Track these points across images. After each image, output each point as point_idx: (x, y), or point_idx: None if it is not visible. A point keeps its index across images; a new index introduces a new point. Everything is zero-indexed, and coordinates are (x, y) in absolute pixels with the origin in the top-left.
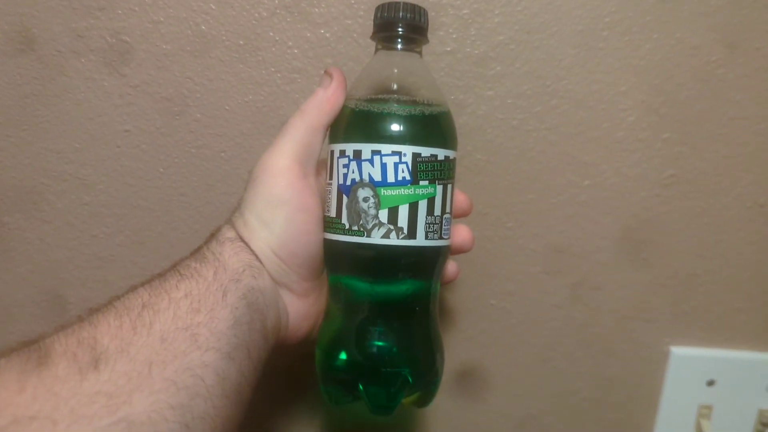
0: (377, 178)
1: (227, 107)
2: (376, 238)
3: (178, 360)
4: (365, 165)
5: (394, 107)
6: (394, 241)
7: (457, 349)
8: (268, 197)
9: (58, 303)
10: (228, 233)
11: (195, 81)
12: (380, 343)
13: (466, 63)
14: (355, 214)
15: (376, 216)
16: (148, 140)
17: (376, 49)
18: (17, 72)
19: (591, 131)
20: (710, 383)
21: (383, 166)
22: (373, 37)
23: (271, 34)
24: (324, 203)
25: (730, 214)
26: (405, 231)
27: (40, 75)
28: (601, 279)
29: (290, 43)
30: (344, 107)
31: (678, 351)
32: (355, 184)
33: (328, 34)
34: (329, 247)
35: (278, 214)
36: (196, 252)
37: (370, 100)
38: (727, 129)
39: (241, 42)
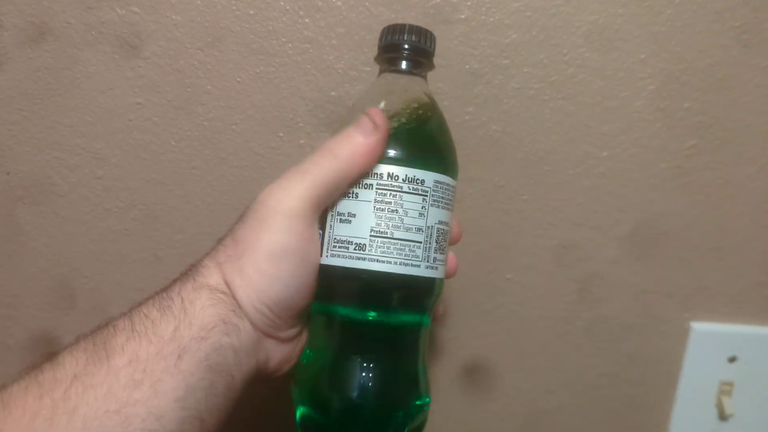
0: None
1: (238, 79)
2: None
3: None
4: None
5: None
6: None
7: (472, 323)
8: (274, 248)
9: (73, 276)
10: (211, 278)
11: (206, 52)
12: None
13: (481, 31)
14: None
15: None
16: (160, 113)
17: (380, 72)
18: (28, 45)
19: (609, 101)
20: (732, 359)
21: None
22: (377, 59)
23: (282, 3)
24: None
25: (753, 185)
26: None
27: (51, 48)
28: (620, 252)
29: (301, 12)
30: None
31: (699, 326)
32: None
33: (339, 3)
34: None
35: (283, 268)
36: (165, 293)
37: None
38: (751, 97)
39: (252, 12)
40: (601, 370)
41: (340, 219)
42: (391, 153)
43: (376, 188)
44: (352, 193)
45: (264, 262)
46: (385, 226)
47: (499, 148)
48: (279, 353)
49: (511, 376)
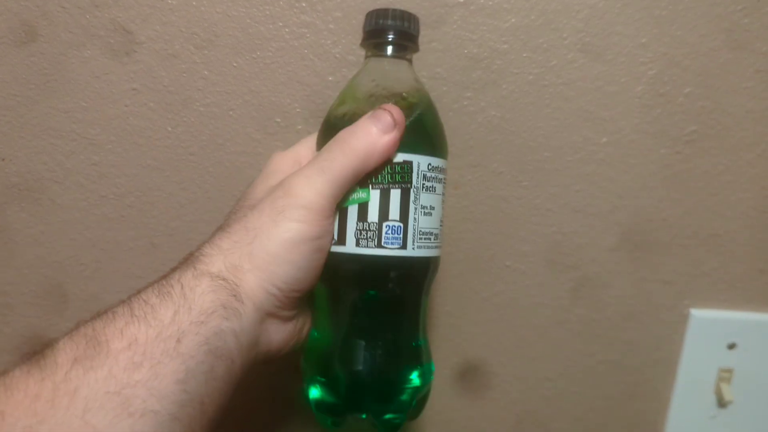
0: None
1: (235, 64)
2: None
3: None
4: None
5: None
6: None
7: (471, 311)
8: (293, 235)
9: (69, 263)
10: (213, 266)
11: (202, 37)
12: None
13: (479, 15)
14: None
15: None
16: (156, 99)
17: (366, 57)
18: (22, 30)
19: (609, 86)
20: (731, 346)
21: None
22: (363, 44)
23: None
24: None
25: (753, 171)
26: (335, 237)
27: (46, 33)
28: (619, 239)
29: None
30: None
31: (698, 313)
32: None
33: None
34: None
35: (297, 253)
36: (164, 280)
37: None
38: (752, 82)
39: None
40: (600, 358)
41: (424, 212)
42: (436, 146)
43: (443, 182)
44: (432, 187)
45: (278, 246)
46: (443, 215)
47: (498, 133)
48: (280, 334)
49: (509, 364)
